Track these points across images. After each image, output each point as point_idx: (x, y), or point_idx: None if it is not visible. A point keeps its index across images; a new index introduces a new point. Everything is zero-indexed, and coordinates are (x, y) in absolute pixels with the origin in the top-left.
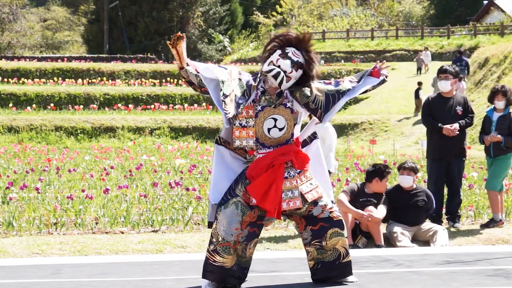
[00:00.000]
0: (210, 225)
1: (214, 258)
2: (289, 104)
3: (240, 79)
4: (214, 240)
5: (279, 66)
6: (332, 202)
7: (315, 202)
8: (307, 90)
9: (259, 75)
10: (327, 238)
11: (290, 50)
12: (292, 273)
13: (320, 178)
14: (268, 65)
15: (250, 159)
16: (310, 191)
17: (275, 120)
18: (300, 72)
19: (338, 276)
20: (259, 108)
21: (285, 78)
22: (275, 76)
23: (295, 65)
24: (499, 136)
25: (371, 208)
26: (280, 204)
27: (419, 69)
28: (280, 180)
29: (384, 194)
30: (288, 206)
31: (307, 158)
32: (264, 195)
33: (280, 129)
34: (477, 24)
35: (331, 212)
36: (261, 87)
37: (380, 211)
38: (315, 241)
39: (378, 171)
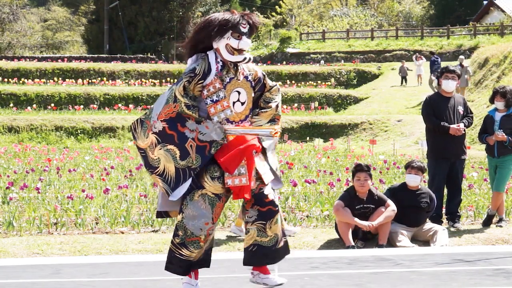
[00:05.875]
0: (158, 215)
1: (180, 251)
2: (250, 77)
3: (196, 68)
4: (180, 233)
5: (241, 49)
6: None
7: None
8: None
9: (209, 53)
10: (272, 222)
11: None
12: (292, 273)
13: (272, 164)
14: (228, 51)
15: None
16: (265, 172)
17: (239, 93)
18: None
19: (271, 262)
20: (227, 80)
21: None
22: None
23: (249, 34)
24: (504, 134)
25: (383, 209)
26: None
27: (403, 78)
28: (253, 162)
29: (376, 193)
30: (255, 184)
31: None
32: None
33: (242, 103)
34: (477, 24)
35: (276, 197)
36: (220, 60)
37: (391, 207)
38: (259, 222)
39: (357, 167)
